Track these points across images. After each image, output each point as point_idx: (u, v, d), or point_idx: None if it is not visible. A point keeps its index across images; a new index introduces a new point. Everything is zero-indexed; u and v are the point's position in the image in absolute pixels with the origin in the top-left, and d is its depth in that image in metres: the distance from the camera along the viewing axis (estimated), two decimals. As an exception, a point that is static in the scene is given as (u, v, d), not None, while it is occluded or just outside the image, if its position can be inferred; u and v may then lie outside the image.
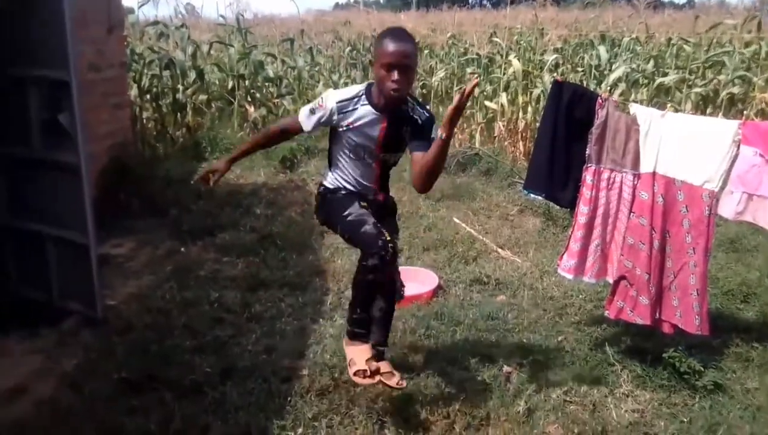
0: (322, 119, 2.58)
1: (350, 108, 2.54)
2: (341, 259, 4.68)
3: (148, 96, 7.85)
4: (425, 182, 2.48)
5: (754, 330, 3.71)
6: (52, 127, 3.45)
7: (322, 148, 7.19)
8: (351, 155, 2.65)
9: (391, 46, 2.37)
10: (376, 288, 2.62)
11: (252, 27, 10.01)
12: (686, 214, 3.08)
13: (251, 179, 6.45)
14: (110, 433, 2.67)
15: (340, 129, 2.59)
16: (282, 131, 2.82)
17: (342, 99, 2.54)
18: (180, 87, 7.91)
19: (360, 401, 2.90)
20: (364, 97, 2.54)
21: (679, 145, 3.05)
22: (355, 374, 2.62)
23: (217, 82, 8.61)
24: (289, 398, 2.93)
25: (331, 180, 2.76)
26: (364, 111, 2.53)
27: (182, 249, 4.89)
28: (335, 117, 2.55)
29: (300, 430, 2.71)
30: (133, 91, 7.56)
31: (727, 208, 3.04)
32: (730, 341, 3.57)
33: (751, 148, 2.91)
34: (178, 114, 8.01)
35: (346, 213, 2.58)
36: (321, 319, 3.80)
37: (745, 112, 8.03)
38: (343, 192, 2.70)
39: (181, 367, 3.20)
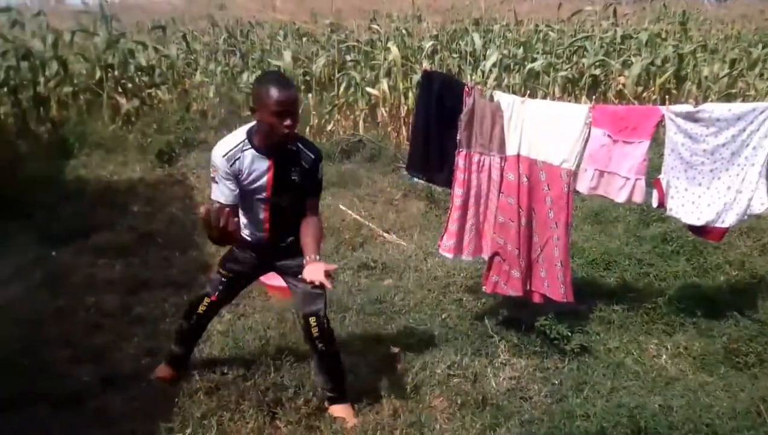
0: (227, 180, 2.54)
1: (238, 156, 2.53)
2: (227, 254, 4.60)
3: (4, 89, 7.23)
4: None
5: (614, 294, 4.06)
6: None
7: (201, 139, 6.99)
8: (243, 203, 2.64)
9: (278, 94, 2.39)
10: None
11: (118, 13, 9.46)
12: (548, 192, 3.33)
13: (125, 175, 6.15)
14: (-22, 458, 2.50)
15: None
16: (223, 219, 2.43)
17: (226, 151, 2.53)
18: (41, 79, 7.36)
19: (250, 395, 2.90)
20: (246, 141, 2.55)
21: (538, 129, 3.28)
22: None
23: (84, 73, 8.08)
24: (176, 399, 2.88)
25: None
26: (251, 156, 2.54)
27: (53, 253, 4.58)
28: (229, 170, 2.52)
29: (189, 431, 2.67)
30: (-13, 85, 6.94)
31: (582, 184, 3.32)
32: (594, 306, 3.90)
33: (600, 129, 3.20)
34: (41, 108, 7.45)
35: (217, 269, 2.91)
36: (208, 316, 3.72)
37: (607, 95, 8.74)
38: (236, 250, 2.85)
39: (58, 378, 3.04)
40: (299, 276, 2.53)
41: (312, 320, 2.74)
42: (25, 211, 5.14)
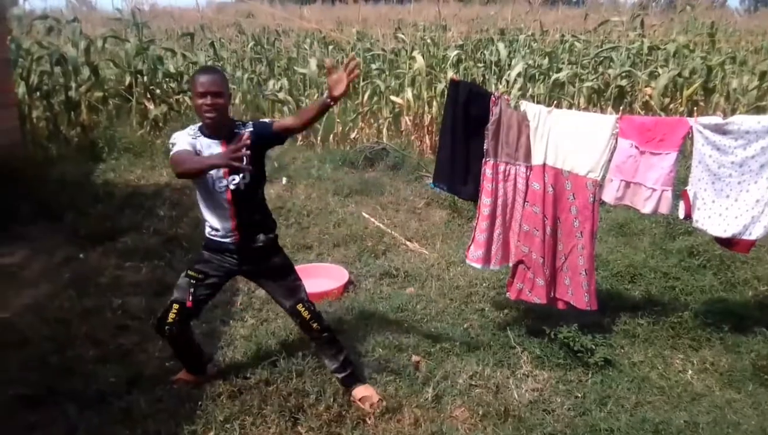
0: (186, 144, 2.69)
1: (194, 139, 2.71)
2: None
3: (37, 94, 7.40)
4: (302, 127, 2.91)
5: (639, 308, 4.01)
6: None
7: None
8: (204, 193, 2.77)
9: (200, 78, 2.67)
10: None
11: (149, 20, 9.65)
12: (573, 202, 3.32)
13: (153, 179, 6.25)
14: (7, 453, 2.55)
15: None
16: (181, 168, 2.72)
17: (184, 132, 2.75)
18: (73, 84, 7.51)
19: (272, 400, 2.92)
20: (198, 131, 2.75)
21: (565, 139, 3.27)
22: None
23: (114, 78, 8.25)
24: (199, 402, 2.90)
25: (206, 230, 2.88)
26: (204, 142, 2.72)
27: (81, 255, 4.67)
28: (188, 139, 2.69)
29: (211, 434, 2.70)
30: (21, 89, 7.11)
31: (608, 195, 3.31)
32: (618, 319, 3.85)
33: (627, 140, 3.18)
34: (72, 112, 7.61)
35: (185, 273, 2.89)
36: (231, 320, 3.77)
37: (633, 106, 8.65)
38: (205, 253, 2.90)
39: (84, 378, 3.09)
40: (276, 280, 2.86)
41: (300, 307, 2.92)
42: (55, 213, 5.25)
